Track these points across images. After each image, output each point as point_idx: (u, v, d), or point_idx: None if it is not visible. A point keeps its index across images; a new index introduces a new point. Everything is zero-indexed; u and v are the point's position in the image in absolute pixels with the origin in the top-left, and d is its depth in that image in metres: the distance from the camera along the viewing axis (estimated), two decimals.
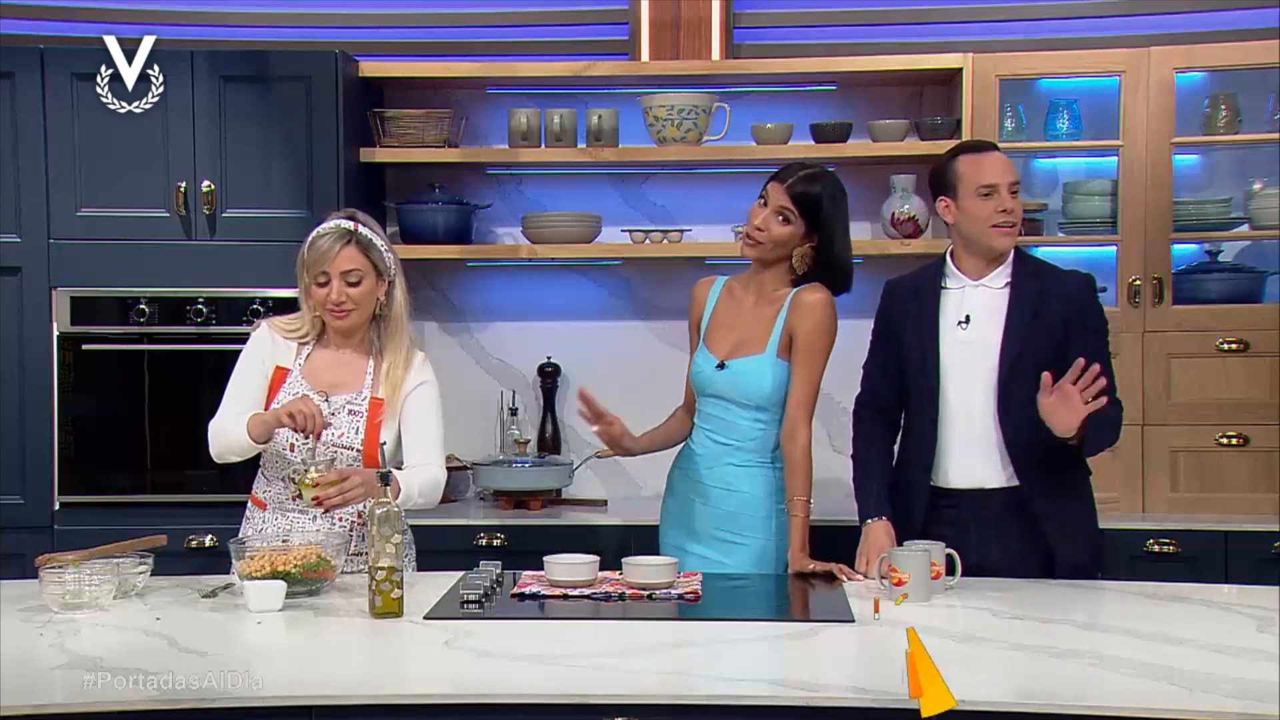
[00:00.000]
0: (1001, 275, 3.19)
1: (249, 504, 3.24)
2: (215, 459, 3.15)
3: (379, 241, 3.15)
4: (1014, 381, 3.09)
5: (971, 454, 3.16)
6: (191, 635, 2.59)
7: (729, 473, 3.32)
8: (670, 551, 3.34)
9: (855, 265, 4.41)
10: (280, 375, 3.17)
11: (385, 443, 3.08)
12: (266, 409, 3.11)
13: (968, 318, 3.18)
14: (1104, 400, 2.93)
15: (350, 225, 3.13)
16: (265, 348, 3.19)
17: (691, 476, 3.38)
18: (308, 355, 3.19)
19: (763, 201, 3.30)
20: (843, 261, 3.35)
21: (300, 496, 3.02)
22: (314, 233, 3.15)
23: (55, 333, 4.13)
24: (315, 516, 3.11)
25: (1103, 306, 3.23)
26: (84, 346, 4.14)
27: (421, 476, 3.10)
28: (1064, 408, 2.93)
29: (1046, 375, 2.95)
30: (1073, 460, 3.12)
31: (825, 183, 3.30)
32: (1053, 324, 3.12)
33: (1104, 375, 3.09)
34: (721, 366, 3.32)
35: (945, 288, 3.23)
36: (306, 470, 3.01)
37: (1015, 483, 3.13)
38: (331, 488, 2.94)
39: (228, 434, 3.09)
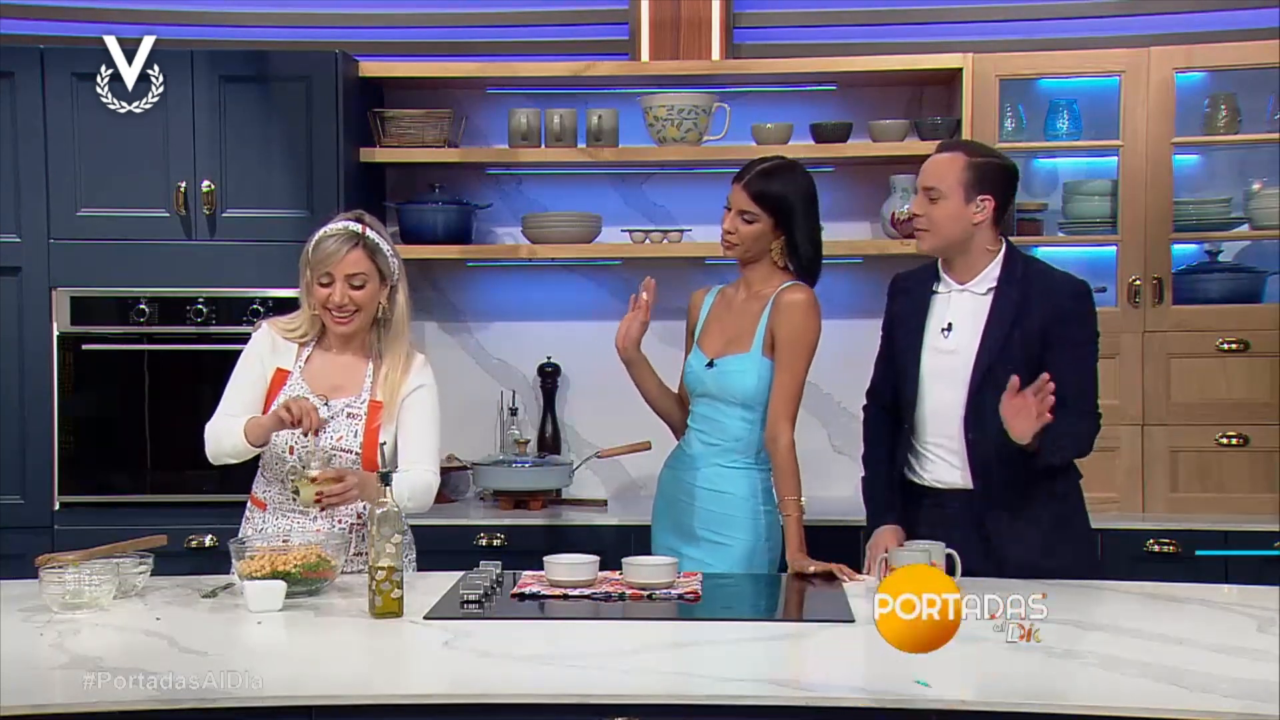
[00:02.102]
0: (986, 280, 3.15)
1: (249, 504, 3.24)
2: (211, 460, 3.15)
3: (385, 246, 3.15)
4: (985, 391, 3.07)
5: (941, 458, 3.17)
6: (191, 635, 2.59)
7: (716, 473, 3.33)
8: (662, 552, 3.34)
9: (855, 265, 4.45)
10: (280, 377, 3.17)
11: (385, 443, 3.08)
12: (265, 412, 3.11)
13: (950, 325, 3.16)
14: (1048, 418, 2.89)
15: (359, 228, 3.12)
16: (265, 349, 3.19)
17: (682, 477, 3.39)
18: (308, 357, 3.19)
19: (727, 205, 3.32)
20: (805, 252, 3.32)
21: (298, 494, 3.01)
22: (321, 232, 3.14)
23: (55, 333, 4.13)
24: (315, 516, 3.11)
25: (1092, 315, 3.15)
26: (84, 346, 4.14)
27: (412, 480, 3.09)
28: (1023, 414, 2.92)
29: (1015, 379, 2.94)
30: (1037, 469, 3.07)
31: (783, 176, 3.31)
32: (1030, 333, 3.08)
33: (1084, 388, 3.06)
34: (710, 365, 3.34)
35: (935, 291, 3.21)
36: (304, 468, 3.01)
37: (972, 486, 3.13)
38: (333, 484, 2.94)
39: (223, 436, 3.09)
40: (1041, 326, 3.08)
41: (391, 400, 3.15)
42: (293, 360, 3.18)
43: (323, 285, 3.11)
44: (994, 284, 3.14)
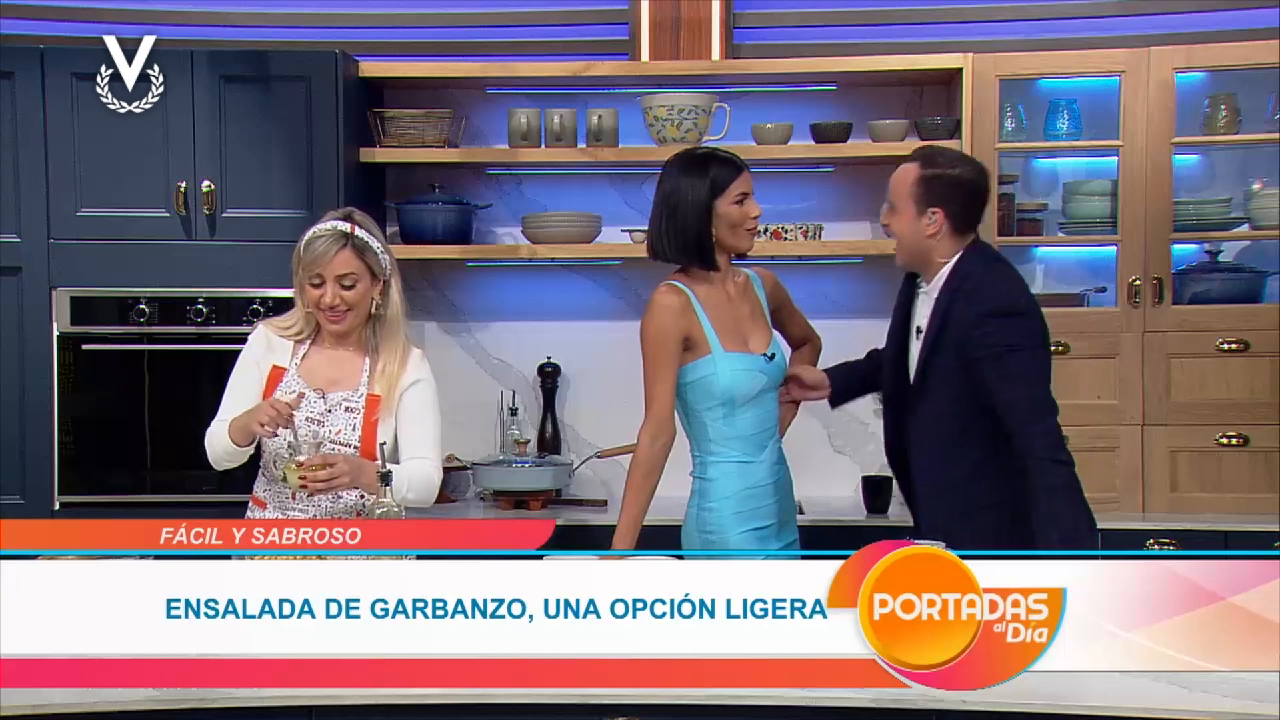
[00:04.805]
0: (937, 285, 3.10)
1: (249, 504, 3.24)
2: (213, 466, 3.16)
3: (375, 243, 3.14)
4: (922, 396, 3.09)
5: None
6: None
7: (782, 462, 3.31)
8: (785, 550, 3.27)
9: (855, 265, 4.45)
10: (277, 374, 3.17)
11: (384, 442, 3.08)
12: None
13: (919, 328, 3.15)
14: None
15: (347, 227, 3.12)
16: (260, 350, 3.19)
17: (785, 475, 3.30)
18: (304, 354, 3.19)
19: (748, 192, 3.29)
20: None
21: (285, 480, 3.01)
22: (310, 232, 3.14)
23: (55, 333, 4.13)
24: (315, 516, 3.10)
25: (1005, 328, 2.98)
26: (84, 346, 4.14)
27: (410, 472, 3.09)
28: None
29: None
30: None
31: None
32: (947, 344, 3.03)
33: (1015, 398, 2.94)
34: (772, 358, 3.25)
35: (919, 289, 3.19)
36: (293, 453, 3.01)
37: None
38: (320, 471, 2.94)
39: (216, 440, 3.10)
40: (957, 339, 3.02)
41: (389, 394, 3.15)
42: (289, 357, 3.18)
43: (314, 286, 3.11)
44: (938, 291, 3.09)
